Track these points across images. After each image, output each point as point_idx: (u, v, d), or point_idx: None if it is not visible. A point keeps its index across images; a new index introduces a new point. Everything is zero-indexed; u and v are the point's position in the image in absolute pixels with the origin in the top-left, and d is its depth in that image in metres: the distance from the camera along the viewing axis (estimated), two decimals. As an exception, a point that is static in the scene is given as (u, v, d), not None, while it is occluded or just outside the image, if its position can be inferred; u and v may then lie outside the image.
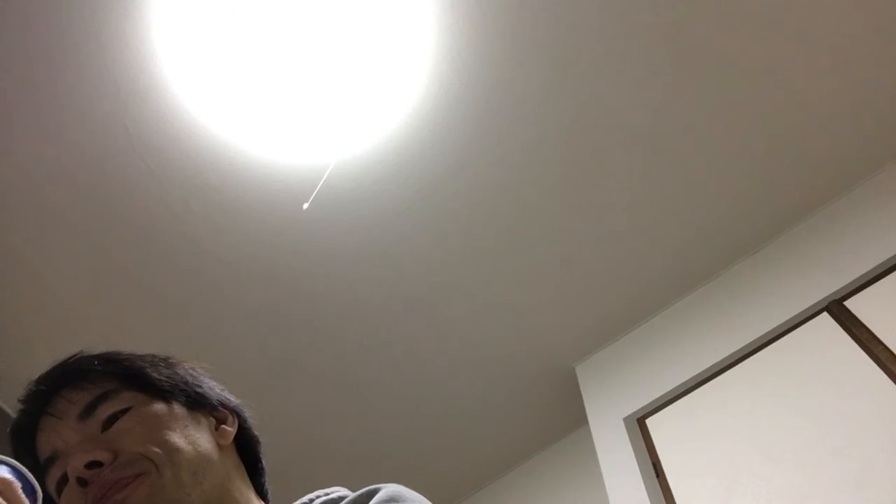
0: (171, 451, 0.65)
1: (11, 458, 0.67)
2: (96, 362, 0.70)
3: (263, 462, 0.79)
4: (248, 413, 0.79)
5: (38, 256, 2.10)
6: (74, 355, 0.71)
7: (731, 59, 2.01)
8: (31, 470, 0.66)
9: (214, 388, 0.76)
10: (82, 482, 0.62)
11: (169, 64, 1.84)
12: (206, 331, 2.32)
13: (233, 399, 0.78)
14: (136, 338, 2.28)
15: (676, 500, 1.96)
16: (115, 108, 1.89)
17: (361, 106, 1.97)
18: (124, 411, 0.67)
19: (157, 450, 0.64)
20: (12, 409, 2.29)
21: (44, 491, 0.65)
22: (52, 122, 1.89)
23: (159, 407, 0.69)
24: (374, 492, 0.64)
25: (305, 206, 2.07)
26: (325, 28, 1.83)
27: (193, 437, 0.68)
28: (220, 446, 0.71)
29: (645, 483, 2.03)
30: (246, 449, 0.77)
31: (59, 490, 0.65)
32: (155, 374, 0.71)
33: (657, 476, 2.06)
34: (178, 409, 0.70)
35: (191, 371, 0.76)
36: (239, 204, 2.11)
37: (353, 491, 0.70)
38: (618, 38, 1.94)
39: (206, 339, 2.33)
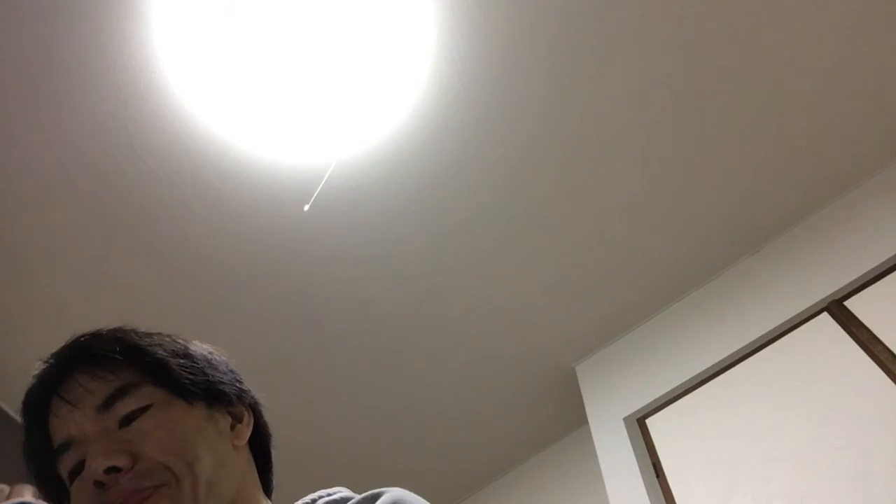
0: (192, 460, 0.63)
1: (24, 434, 0.67)
2: (118, 348, 0.67)
3: (273, 458, 0.78)
4: (263, 406, 0.77)
5: (37, 256, 2.10)
6: (91, 334, 0.68)
7: (730, 60, 2.01)
8: (41, 450, 0.65)
9: (233, 379, 0.74)
10: (99, 485, 0.61)
11: (169, 64, 1.84)
12: (205, 331, 2.30)
13: (249, 391, 0.76)
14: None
15: (676, 500, 1.96)
16: (115, 108, 1.89)
17: (361, 106, 1.97)
18: (144, 409, 0.65)
19: (177, 459, 0.62)
20: (12, 409, 2.29)
21: (56, 474, 0.65)
22: (52, 122, 1.89)
23: (181, 407, 0.66)
24: (378, 496, 0.63)
25: (306, 207, 2.07)
26: (325, 27, 1.83)
27: (212, 443, 0.66)
28: (234, 447, 0.70)
29: (645, 483, 2.03)
30: (258, 443, 0.76)
31: (72, 477, 0.64)
32: (177, 370, 0.68)
33: (657, 476, 2.06)
34: (198, 409, 0.68)
35: (209, 359, 0.73)
36: (239, 204, 2.11)
37: (355, 492, 0.69)
38: (618, 38, 1.94)
39: (206, 339, 2.32)
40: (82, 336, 0.68)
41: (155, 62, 1.83)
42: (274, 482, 0.80)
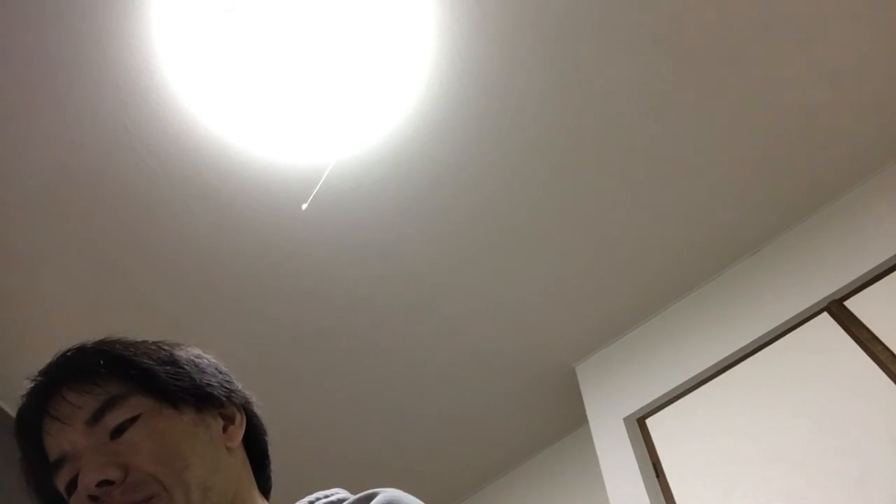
0: (182, 468, 0.64)
1: (20, 451, 0.68)
2: (102, 362, 0.67)
3: (270, 455, 0.78)
4: (255, 404, 0.77)
5: (38, 256, 2.10)
6: (76, 348, 0.69)
7: (731, 59, 2.01)
8: (38, 466, 0.66)
9: (221, 380, 0.74)
10: (93, 499, 0.61)
11: (169, 64, 1.84)
12: (205, 331, 2.32)
13: (240, 390, 0.76)
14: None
15: (676, 500, 1.96)
16: (115, 108, 1.89)
17: (361, 106, 1.97)
18: (133, 420, 0.65)
19: (167, 469, 0.63)
20: (12, 409, 2.30)
21: (54, 488, 0.66)
22: (52, 122, 1.89)
23: (169, 415, 0.67)
24: (372, 496, 0.63)
25: (304, 206, 2.07)
26: (324, 27, 1.83)
27: (203, 448, 0.67)
28: (228, 449, 0.70)
29: (645, 483, 2.03)
30: (253, 442, 0.76)
31: (69, 491, 0.64)
32: (163, 377, 0.68)
33: (657, 476, 2.06)
34: (188, 415, 0.68)
35: (196, 362, 0.73)
36: (238, 204, 2.11)
37: (354, 493, 0.69)
38: (618, 38, 1.94)
39: (204, 339, 2.32)
40: (67, 351, 0.69)
41: (155, 62, 1.84)
42: (273, 482, 0.80)
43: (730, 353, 2.18)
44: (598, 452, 2.26)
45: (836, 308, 2.03)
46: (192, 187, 2.05)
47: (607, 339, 2.59)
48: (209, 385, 0.72)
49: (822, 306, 2.07)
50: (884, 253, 2.04)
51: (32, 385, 0.68)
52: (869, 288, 2.02)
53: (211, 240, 2.16)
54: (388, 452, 2.79)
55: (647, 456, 2.14)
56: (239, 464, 0.72)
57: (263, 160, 2.04)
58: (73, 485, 0.64)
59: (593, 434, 2.34)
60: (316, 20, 1.81)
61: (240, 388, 0.76)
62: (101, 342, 0.70)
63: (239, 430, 0.73)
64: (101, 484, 0.61)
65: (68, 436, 0.64)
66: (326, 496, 0.71)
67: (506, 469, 2.92)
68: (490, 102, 2.01)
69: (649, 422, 2.23)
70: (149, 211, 2.07)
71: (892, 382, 1.75)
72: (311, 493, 0.72)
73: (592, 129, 2.10)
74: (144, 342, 0.72)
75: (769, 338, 2.14)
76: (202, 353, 0.76)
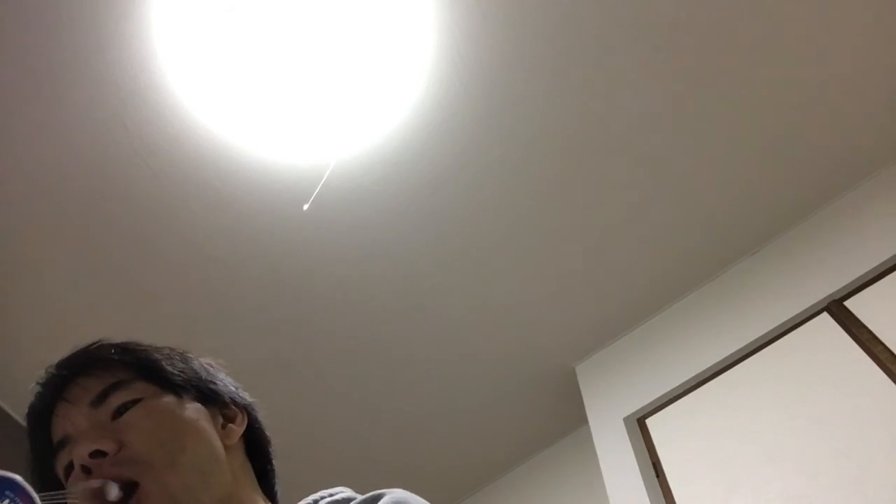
0: (178, 451, 0.65)
1: (27, 439, 0.69)
2: (113, 351, 0.71)
3: (274, 463, 0.79)
4: (259, 412, 0.78)
5: (37, 256, 2.10)
6: (94, 343, 0.72)
7: (731, 60, 2.01)
8: (43, 454, 0.68)
9: (228, 385, 0.76)
10: (86, 470, 0.62)
11: (169, 64, 1.84)
12: (205, 331, 2.32)
13: (245, 397, 0.78)
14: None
15: (676, 500, 1.96)
16: (115, 107, 1.89)
17: (361, 106, 1.97)
18: (135, 402, 0.67)
19: (162, 450, 0.64)
20: (12, 409, 2.29)
21: (54, 474, 0.67)
22: (52, 122, 1.89)
23: (170, 401, 0.69)
24: (379, 497, 0.63)
25: (306, 206, 2.07)
26: (325, 27, 1.83)
27: (202, 437, 0.68)
28: (225, 446, 0.71)
29: (645, 483, 2.03)
30: (255, 449, 0.76)
31: (67, 474, 0.65)
32: (169, 367, 0.71)
33: (657, 476, 2.06)
34: (189, 404, 0.70)
35: (206, 366, 0.76)
36: (238, 204, 2.11)
37: (357, 492, 0.69)
38: (617, 39, 1.94)
39: (205, 339, 2.32)
40: (88, 345, 0.72)
41: (155, 62, 1.83)
42: (277, 484, 0.79)
43: (730, 353, 2.18)
44: (598, 452, 2.26)
45: (836, 308, 2.03)
46: (192, 187, 2.05)
47: (607, 339, 2.59)
48: (213, 383, 0.74)
49: (822, 306, 2.07)
50: (884, 253, 2.04)
51: (48, 375, 0.70)
52: (869, 288, 2.02)
53: (211, 240, 2.15)
54: (389, 452, 2.79)
55: (647, 456, 2.14)
56: (238, 463, 0.72)
57: (264, 160, 2.04)
58: (71, 467, 0.65)
59: (593, 434, 2.34)
60: (316, 20, 1.82)
61: (246, 396, 0.78)
62: (120, 341, 0.73)
63: (238, 429, 0.74)
64: (94, 454, 0.62)
65: (72, 417, 0.66)
66: (331, 494, 0.71)
67: (506, 469, 2.92)
68: (490, 102, 2.01)
69: (649, 422, 2.23)
70: (149, 211, 2.07)
71: (892, 382, 1.75)
72: (313, 491, 0.72)
73: (592, 129, 2.10)
74: (161, 346, 0.76)
75: (769, 338, 2.14)
76: (213, 363, 0.79)
